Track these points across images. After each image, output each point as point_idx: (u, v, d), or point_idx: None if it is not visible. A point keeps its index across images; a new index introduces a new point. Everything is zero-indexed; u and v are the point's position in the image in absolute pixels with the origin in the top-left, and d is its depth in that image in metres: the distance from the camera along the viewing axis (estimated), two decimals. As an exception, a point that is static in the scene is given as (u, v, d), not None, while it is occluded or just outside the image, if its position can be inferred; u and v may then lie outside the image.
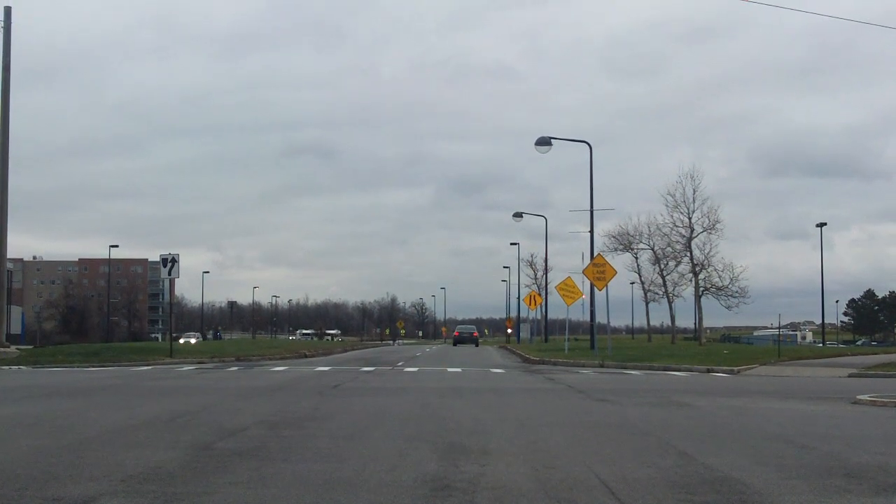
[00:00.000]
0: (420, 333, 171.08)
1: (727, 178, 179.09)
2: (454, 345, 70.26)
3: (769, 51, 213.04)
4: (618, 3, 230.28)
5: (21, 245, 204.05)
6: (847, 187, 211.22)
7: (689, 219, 56.70)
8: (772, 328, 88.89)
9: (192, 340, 75.74)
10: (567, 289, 39.21)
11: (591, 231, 39.68)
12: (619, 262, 61.99)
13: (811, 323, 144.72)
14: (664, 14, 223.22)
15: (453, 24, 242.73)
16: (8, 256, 33.49)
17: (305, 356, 39.35)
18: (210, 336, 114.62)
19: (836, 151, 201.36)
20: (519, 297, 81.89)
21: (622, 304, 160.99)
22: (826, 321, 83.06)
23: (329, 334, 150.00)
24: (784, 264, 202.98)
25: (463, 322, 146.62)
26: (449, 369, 27.04)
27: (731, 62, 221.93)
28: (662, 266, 61.40)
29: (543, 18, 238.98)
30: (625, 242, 63.42)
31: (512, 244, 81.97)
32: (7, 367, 26.62)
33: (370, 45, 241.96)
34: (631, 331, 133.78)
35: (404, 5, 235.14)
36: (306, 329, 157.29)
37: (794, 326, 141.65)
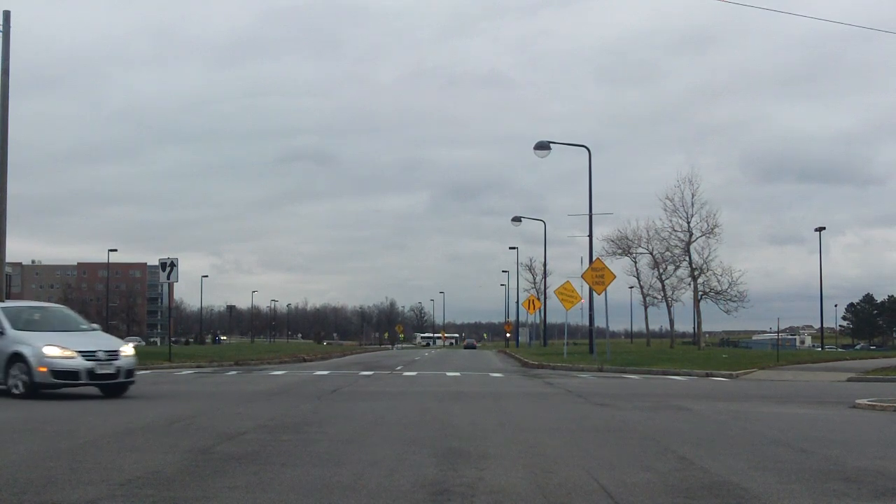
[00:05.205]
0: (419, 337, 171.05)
1: (721, 185, 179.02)
2: (465, 349, 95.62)
3: (761, 59, 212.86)
4: (611, 13, 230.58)
5: (20, 249, 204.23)
6: (841, 193, 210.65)
7: (688, 223, 56.92)
8: (770, 332, 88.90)
9: None
10: (566, 293, 39.17)
11: (590, 235, 39.67)
12: (618, 266, 62.15)
13: (810, 327, 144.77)
14: (657, 23, 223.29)
15: (448, 32, 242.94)
16: (7, 261, 33.44)
17: (304, 360, 39.37)
18: (209, 340, 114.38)
19: (828, 158, 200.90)
20: (518, 301, 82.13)
21: (621, 308, 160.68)
22: (825, 325, 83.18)
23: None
24: (781, 269, 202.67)
25: (461, 326, 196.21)
26: (448, 374, 27.04)
27: (723, 70, 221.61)
28: (661, 270, 61.54)
29: (537, 27, 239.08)
30: (623, 247, 63.61)
31: (511, 248, 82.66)
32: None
33: (367, 54, 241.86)
34: (630, 335, 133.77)
35: (400, 14, 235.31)
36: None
37: (792, 331, 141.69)
